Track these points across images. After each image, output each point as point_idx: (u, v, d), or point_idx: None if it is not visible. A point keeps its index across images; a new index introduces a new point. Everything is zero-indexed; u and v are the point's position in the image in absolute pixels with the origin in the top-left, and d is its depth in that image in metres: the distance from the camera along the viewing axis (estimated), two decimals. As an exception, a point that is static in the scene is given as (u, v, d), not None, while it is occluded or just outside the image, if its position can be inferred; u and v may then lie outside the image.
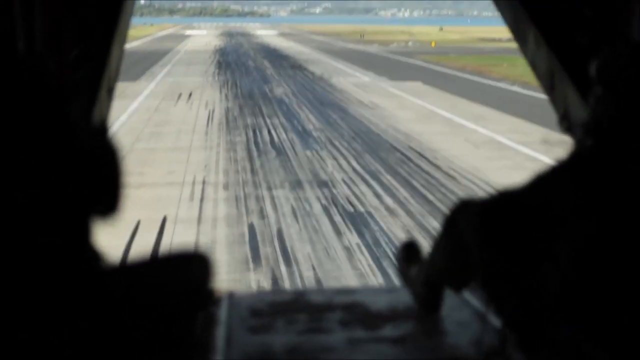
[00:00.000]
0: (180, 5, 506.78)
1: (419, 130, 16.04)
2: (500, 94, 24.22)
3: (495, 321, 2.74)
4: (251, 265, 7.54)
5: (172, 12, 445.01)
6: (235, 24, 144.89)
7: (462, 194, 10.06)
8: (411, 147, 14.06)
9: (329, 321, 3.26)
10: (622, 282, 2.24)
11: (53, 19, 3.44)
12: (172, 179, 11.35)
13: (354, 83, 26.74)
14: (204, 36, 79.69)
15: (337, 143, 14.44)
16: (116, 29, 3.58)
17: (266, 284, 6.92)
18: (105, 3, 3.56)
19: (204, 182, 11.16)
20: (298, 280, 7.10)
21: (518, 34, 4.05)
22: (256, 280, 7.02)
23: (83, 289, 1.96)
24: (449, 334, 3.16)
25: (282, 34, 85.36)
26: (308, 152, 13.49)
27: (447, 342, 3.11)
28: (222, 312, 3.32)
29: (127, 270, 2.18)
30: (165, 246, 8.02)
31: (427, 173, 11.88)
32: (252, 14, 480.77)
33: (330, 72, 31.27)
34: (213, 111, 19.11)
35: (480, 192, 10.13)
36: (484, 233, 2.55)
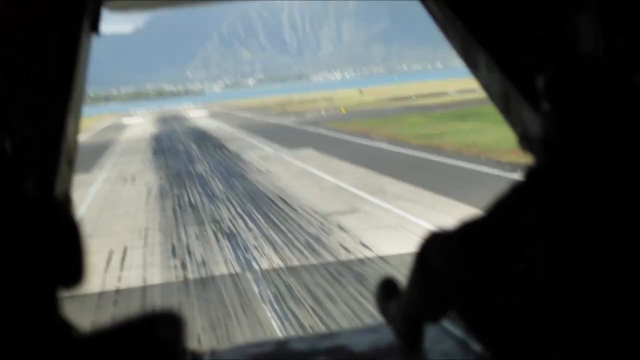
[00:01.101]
0: (114, 91, 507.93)
1: (290, 185, 23.95)
2: (368, 151, 32.10)
3: (478, 349, 2.95)
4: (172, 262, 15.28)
5: (107, 99, 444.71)
6: (170, 108, 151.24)
7: (296, 218, 17.89)
8: (279, 196, 21.94)
9: None
10: (595, 295, 2.27)
11: (2, 95, 3.53)
12: (130, 227, 19.06)
13: (259, 155, 34.64)
14: (140, 124, 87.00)
15: (232, 199, 22.27)
16: (70, 102, 3.60)
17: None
18: (58, 79, 3.61)
19: (147, 229, 18.87)
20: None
21: (469, 60, 4.16)
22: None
23: None
24: None
25: (212, 114, 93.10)
26: (211, 206, 21.31)
27: None
28: None
29: (98, 338, 2.20)
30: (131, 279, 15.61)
31: (281, 209, 19.74)
32: (186, 92, 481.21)
33: (243, 148, 39.19)
34: (151, 188, 26.81)
35: (307, 216, 17.98)
36: (458, 260, 2.58)
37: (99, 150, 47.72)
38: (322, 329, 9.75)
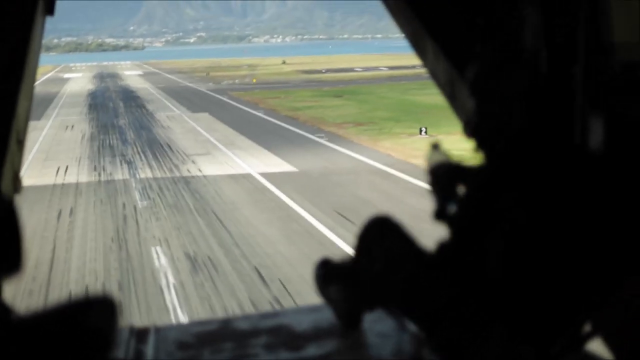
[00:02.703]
0: (56, 41, 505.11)
1: (178, 137, 36.01)
2: (246, 118, 44.08)
3: (414, 329, 3.02)
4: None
5: (48, 48, 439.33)
6: (108, 64, 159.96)
7: (171, 155, 30.06)
8: (167, 143, 34.04)
9: (254, 347, 3.33)
10: (519, 294, 2.43)
11: None
12: (69, 156, 30.99)
13: (167, 115, 46.47)
14: (80, 79, 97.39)
15: (137, 143, 34.26)
16: (22, 83, 3.59)
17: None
18: (9, 56, 3.57)
19: (80, 157, 30.79)
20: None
21: (417, 47, 4.20)
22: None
23: None
24: (372, 347, 3.28)
25: (144, 75, 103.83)
26: (122, 147, 33.36)
27: (370, 354, 3.23)
28: (149, 348, 3.37)
29: (35, 321, 2.22)
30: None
31: (165, 151, 31.85)
32: (126, 47, 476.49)
33: (158, 109, 50.96)
34: (85, 134, 38.58)
35: (178, 155, 30.21)
36: (399, 247, 2.71)
37: (45, 102, 58.89)
38: (164, 198, 22.02)
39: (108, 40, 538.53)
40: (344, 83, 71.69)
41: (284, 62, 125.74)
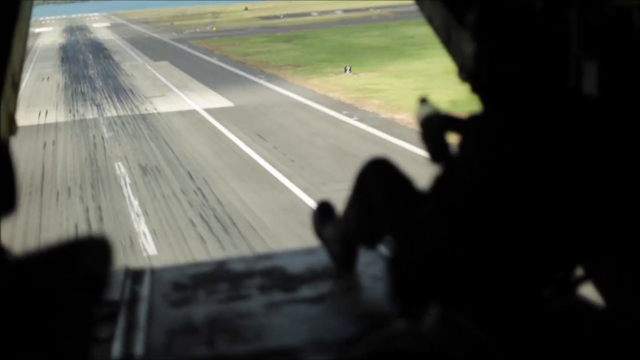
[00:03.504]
0: None
1: (139, 84, 42.03)
2: (201, 64, 49.95)
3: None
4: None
5: None
6: (77, 16, 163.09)
7: (133, 98, 36.28)
8: (130, 89, 40.14)
9: (248, 288, 3.45)
10: (511, 235, 2.47)
11: None
12: (48, 102, 37.10)
13: (131, 65, 52.21)
14: (50, 33, 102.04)
15: (104, 90, 40.35)
16: (16, 24, 3.56)
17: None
18: (3, 1, 3.51)
19: (57, 102, 36.93)
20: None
21: None
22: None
23: None
24: (365, 290, 3.42)
25: (111, 27, 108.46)
26: (92, 93, 39.49)
27: (363, 297, 3.37)
28: (144, 289, 3.48)
29: (30, 261, 2.21)
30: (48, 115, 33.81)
31: (127, 95, 38.02)
32: None
33: (124, 59, 56.74)
34: (59, 84, 44.53)
35: (138, 97, 36.43)
36: (387, 188, 2.80)
37: (20, 57, 64.48)
38: (125, 130, 28.32)
39: None
40: (296, 28, 76.20)
41: (245, 9, 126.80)
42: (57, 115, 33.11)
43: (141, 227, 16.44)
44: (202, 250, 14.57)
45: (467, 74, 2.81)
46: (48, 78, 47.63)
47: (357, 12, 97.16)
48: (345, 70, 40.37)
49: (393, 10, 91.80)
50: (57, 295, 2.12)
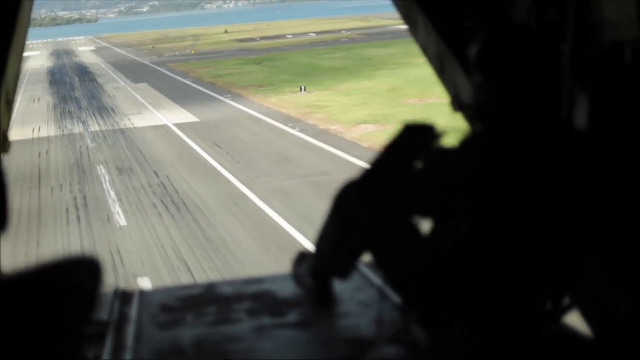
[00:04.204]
0: None
1: (120, 104, 47.70)
2: (176, 86, 55.64)
3: (395, 298, 3.08)
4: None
5: None
6: (63, 40, 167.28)
7: (114, 116, 42.06)
8: (112, 108, 45.82)
9: (237, 312, 3.46)
10: (501, 263, 2.48)
11: None
12: (40, 120, 42.78)
13: (113, 87, 57.85)
14: (38, 57, 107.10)
15: (89, 110, 46.03)
16: (12, 42, 3.61)
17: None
18: (1, 18, 3.56)
19: (48, 120, 42.60)
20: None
21: (409, 20, 4.28)
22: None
23: None
24: (352, 315, 3.40)
25: (96, 50, 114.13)
26: (78, 112, 45.20)
27: (350, 323, 3.34)
28: (133, 310, 3.50)
29: (19, 280, 2.21)
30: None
31: (109, 113, 43.71)
32: (80, 20, 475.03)
33: (107, 81, 62.47)
34: (49, 104, 50.17)
35: (118, 115, 42.20)
36: (375, 212, 2.72)
37: (11, 81, 70.10)
38: (107, 141, 34.05)
39: (61, 13, 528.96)
40: (269, 50, 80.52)
41: (225, 32, 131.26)
42: (48, 130, 38.76)
43: (116, 208, 22.11)
44: (160, 222, 20.22)
45: (461, 104, 2.96)
46: (39, 99, 53.31)
47: (329, 34, 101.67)
48: (301, 90, 45.91)
49: (362, 33, 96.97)
50: (45, 315, 2.12)
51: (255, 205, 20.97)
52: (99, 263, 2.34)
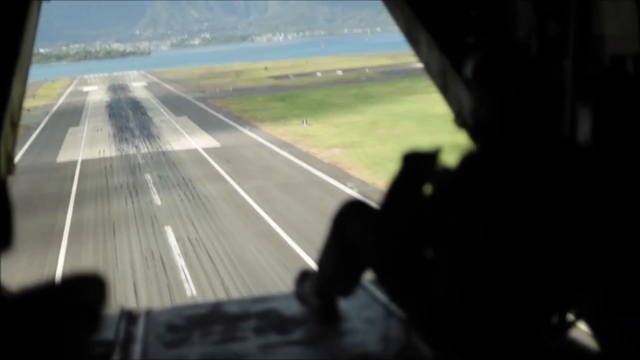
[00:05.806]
0: (64, 49, 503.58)
1: (164, 133, 61.73)
2: (211, 119, 69.25)
3: (401, 315, 3.13)
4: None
5: (59, 58, 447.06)
6: (117, 74, 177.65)
7: (159, 142, 56.03)
8: (158, 136, 59.67)
9: (243, 330, 3.47)
10: (507, 279, 2.44)
11: None
12: (103, 145, 56.85)
13: (160, 120, 71.48)
14: (96, 92, 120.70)
15: (142, 137, 59.82)
16: (16, 64, 3.67)
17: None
18: (4, 40, 3.63)
19: (110, 144, 56.61)
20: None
21: (411, 38, 4.31)
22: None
23: None
24: (358, 332, 3.41)
25: (147, 86, 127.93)
26: (133, 139, 59.09)
27: (356, 340, 3.34)
28: (139, 330, 3.49)
29: (25, 297, 2.24)
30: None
31: (156, 140, 57.60)
32: (133, 52, 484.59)
33: (155, 114, 76.27)
34: (109, 133, 64.04)
35: (162, 140, 56.13)
36: (379, 233, 2.69)
37: (77, 112, 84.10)
38: (152, 159, 47.87)
39: (115, 45, 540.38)
40: (296, 88, 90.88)
41: (265, 68, 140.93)
42: (110, 151, 52.64)
43: (155, 197, 35.73)
44: (182, 204, 33.76)
45: (463, 120, 3.03)
46: (101, 129, 67.50)
47: (353, 72, 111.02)
48: (303, 122, 58.44)
49: (382, 71, 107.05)
50: (52, 333, 2.14)
51: (239, 195, 34.43)
52: (104, 280, 2.43)
